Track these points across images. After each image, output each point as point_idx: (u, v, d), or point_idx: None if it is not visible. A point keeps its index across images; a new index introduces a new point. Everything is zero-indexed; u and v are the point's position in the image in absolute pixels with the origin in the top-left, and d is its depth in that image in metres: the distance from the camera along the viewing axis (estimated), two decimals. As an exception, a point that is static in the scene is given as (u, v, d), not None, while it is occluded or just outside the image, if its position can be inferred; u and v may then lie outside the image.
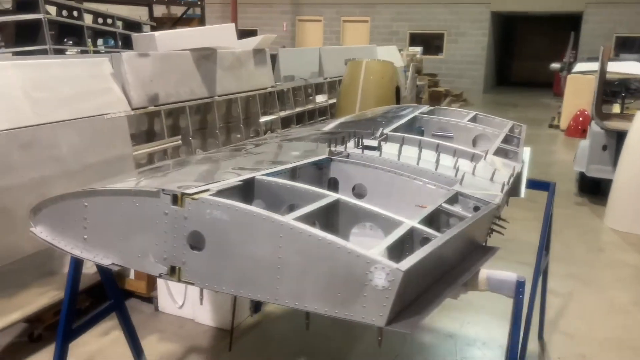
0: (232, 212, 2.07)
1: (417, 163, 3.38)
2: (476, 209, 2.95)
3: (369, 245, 2.06)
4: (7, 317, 4.09)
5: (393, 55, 12.52)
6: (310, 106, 8.80)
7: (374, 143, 3.76)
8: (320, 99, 9.13)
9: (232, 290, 2.11)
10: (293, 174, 3.01)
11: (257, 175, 2.59)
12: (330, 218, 2.46)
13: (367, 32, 25.55)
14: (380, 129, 4.24)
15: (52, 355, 3.16)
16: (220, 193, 2.28)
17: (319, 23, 26.18)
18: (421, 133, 4.97)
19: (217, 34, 6.36)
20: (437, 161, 3.37)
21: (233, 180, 2.41)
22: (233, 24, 6.49)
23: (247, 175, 2.57)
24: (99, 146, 4.85)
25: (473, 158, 3.73)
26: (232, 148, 4.20)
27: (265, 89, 7.56)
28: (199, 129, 6.56)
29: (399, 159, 3.43)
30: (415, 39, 24.60)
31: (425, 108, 5.36)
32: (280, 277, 2.02)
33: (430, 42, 24.83)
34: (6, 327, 4.09)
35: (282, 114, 7.92)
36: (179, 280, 2.20)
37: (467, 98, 21.11)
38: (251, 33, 9.14)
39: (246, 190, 2.58)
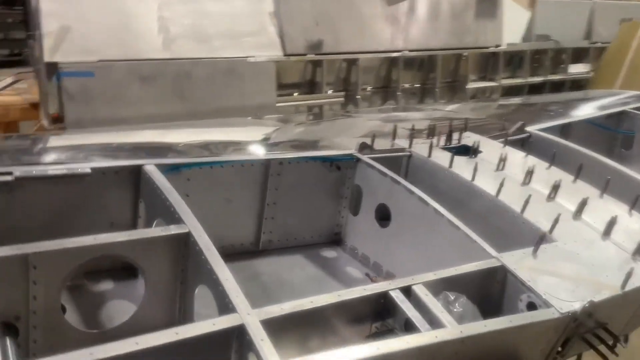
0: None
1: (497, 194, 2.02)
2: (531, 307, 1.57)
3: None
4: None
5: None
6: (557, 76, 6.83)
7: (472, 144, 2.46)
8: (579, 68, 7.01)
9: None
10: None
11: (151, 163, 1.76)
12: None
13: None
14: (520, 123, 2.80)
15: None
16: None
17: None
18: (629, 139, 3.16)
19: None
20: (529, 200, 1.98)
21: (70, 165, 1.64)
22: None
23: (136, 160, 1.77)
24: (236, 90, 4.49)
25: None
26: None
27: (487, 48, 6.07)
28: (380, 87, 5.64)
29: (473, 179, 2.11)
30: None
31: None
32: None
33: None
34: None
35: (506, 82, 6.31)
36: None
37: None
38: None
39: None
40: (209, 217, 1.87)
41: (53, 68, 3.74)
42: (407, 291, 1.42)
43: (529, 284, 1.54)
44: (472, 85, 6.05)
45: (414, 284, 1.43)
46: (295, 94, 5.09)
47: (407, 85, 5.82)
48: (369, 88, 5.51)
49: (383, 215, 2.12)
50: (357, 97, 5.28)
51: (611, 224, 1.85)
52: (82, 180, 1.63)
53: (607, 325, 1.64)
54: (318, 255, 2.18)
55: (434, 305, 1.38)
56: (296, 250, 2.17)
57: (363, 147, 2.25)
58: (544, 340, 1.50)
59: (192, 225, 1.44)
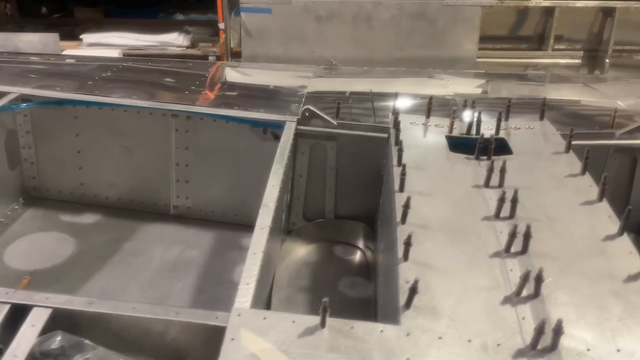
0: None
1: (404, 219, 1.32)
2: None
3: None
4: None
5: None
6: None
7: None
8: None
9: None
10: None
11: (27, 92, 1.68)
12: None
13: None
14: None
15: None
16: None
17: None
18: None
19: None
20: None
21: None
22: None
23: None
24: (424, 39, 3.83)
25: None
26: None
27: None
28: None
29: (401, 190, 1.42)
30: None
31: None
32: None
33: None
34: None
35: None
36: None
37: None
38: None
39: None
40: (102, 163, 1.74)
41: (234, 3, 3.90)
42: (22, 311, 1.00)
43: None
44: None
45: (40, 306, 0.99)
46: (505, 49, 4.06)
47: None
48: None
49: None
50: (606, 60, 3.88)
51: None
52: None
53: None
54: (233, 240, 1.77)
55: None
56: (216, 226, 1.81)
57: (309, 116, 1.66)
58: None
59: None
